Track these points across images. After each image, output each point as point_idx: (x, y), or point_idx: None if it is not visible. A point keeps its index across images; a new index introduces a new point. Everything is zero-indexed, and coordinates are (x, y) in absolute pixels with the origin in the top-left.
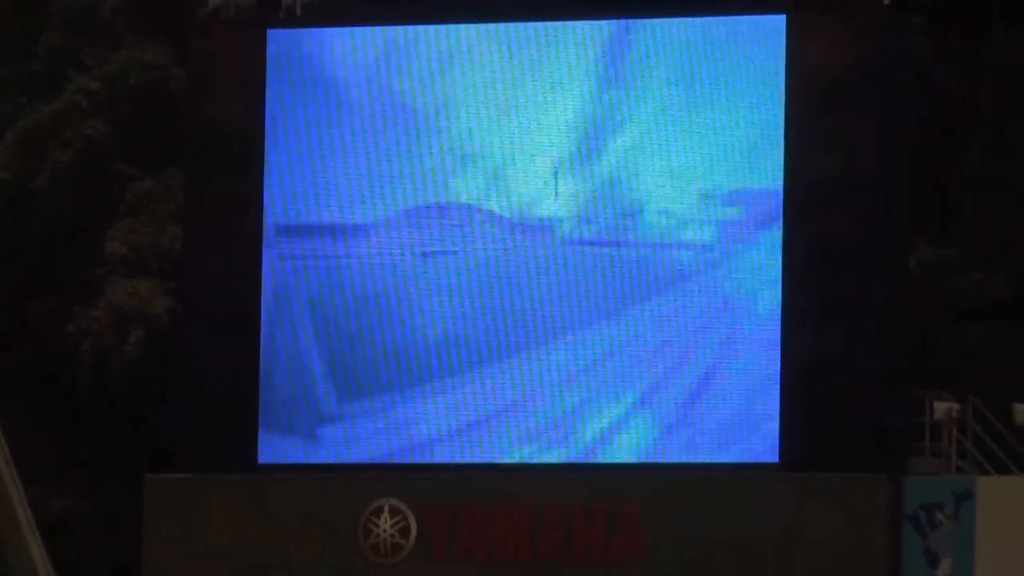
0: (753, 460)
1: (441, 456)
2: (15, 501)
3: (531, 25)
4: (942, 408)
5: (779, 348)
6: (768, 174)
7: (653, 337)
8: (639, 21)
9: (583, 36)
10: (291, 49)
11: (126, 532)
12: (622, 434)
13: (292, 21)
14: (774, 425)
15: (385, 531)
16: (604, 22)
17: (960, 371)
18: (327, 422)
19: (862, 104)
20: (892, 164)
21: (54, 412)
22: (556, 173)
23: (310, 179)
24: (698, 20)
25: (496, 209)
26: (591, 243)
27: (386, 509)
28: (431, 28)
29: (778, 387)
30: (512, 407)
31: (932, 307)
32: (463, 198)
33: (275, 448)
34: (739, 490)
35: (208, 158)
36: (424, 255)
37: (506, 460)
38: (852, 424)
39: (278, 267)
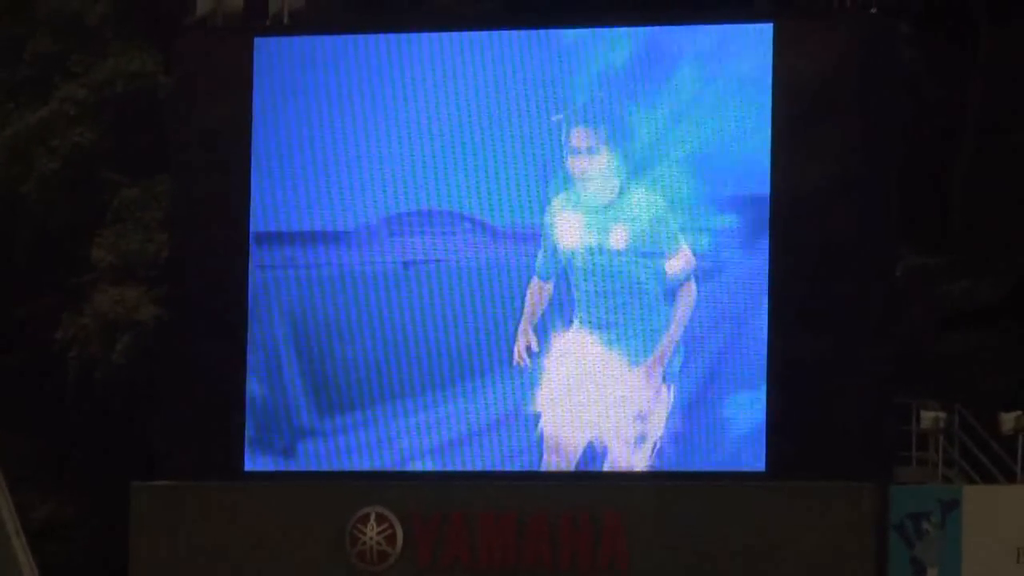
0: (740, 468)
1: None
2: (2, 505)
3: (519, 34)
4: (929, 417)
5: (765, 357)
6: (759, 181)
7: (644, 347)
8: (628, 30)
9: (572, 45)
10: (278, 57)
11: (116, 538)
12: (610, 444)
13: (279, 29)
14: (761, 433)
15: (371, 539)
16: (593, 31)
17: (947, 378)
18: (306, 437)
19: (850, 111)
20: (880, 170)
21: (43, 418)
22: (545, 181)
23: (291, 186)
24: (686, 28)
25: (482, 217)
26: (580, 252)
27: (372, 517)
28: (417, 36)
29: (765, 396)
30: (501, 421)
31: (920, 314)
32: (448, 205)
33: (257, 461)
34: (726, 498)
35: (195, 166)
36: (406, 264)
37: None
38: (838, 433)
39: (259, 277)
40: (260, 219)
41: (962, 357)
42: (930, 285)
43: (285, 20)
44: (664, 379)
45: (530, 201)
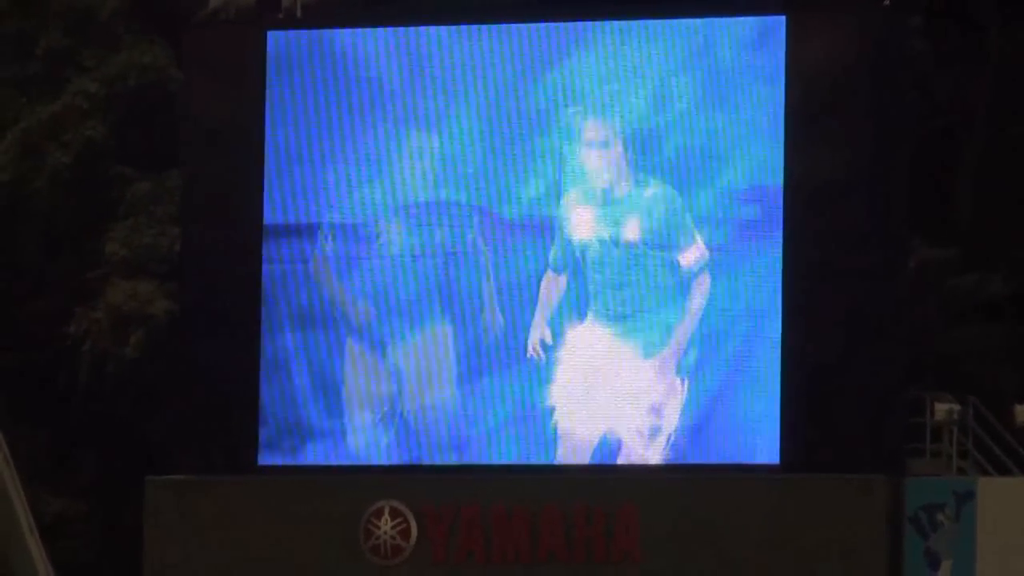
0: (754, 462)
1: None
2: (15, 502)
3: (532, 26)
4: (943, 409)
5: (779, 349)
6: (773, 174)
7: (658, 340)
8: (641, 22)
9: (585, 37)
10: (290, 50)
11: (125, 534)
12: (624, 437)
13: (291, 23)
14: (775, 426)
15: (386, 533)
16: (607, 23)
17: (959, 371)
18: (314, 437)
19: (861, 104)
20: (891, 164)
21: (53, 413)
22: (558, 174)
23: (301, 179)
24: (700, 21)
25: (495, 209)
26: (594, 245)
27: (387, 511)
28: (430, 29)
29: (779, 388)
30: (514, 415)
31: (931, 307)
32: (460, 197)
33: (267, 457)
34: (740, 491)
35: (206, 159)
36: (413, 257)
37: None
38: (852, 425)
39: (267, 270)
40: (270, 212)
41: (974, 348)
42: (941, 278)
43: (298, 13)
44: (678, 372)
45: (544, 193)
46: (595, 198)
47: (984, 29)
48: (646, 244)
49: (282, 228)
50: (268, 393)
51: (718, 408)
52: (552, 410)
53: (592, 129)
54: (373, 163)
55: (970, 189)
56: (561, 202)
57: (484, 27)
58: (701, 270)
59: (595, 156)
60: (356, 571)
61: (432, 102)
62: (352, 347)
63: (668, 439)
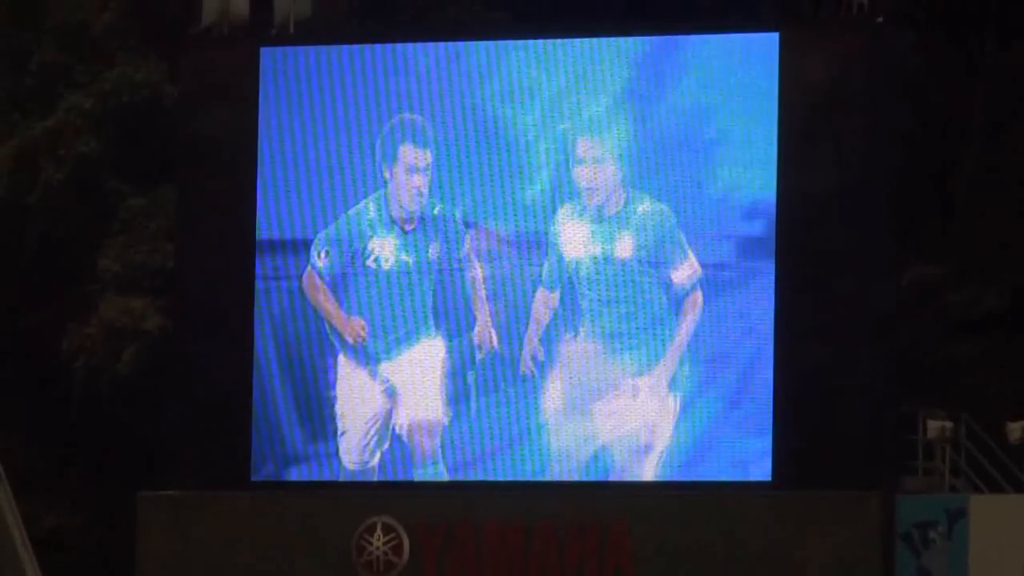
0: (746, 479)
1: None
2: (8, 516)
3: (525, 43)
4: (935, 426)
5: (772, 366)
6: (766, 190)
7: (651, 357)
8: (634, 39)
9: (578, 55)
10: (283, 66)
11: (122, 547)
12: (616, 454)
13: (284, 39)
14: (767, 443)
15: (378, 548)
16: (600, 40)
17: (954, 386)
18: (298, 462)
19: (855, 119)
20: (884, 179)
21: (49, 427)
22: (551, 190)
23: (295, 195)
24: (693, 38)
25: (488, 226)
26: (586, 262)
27: (379, 527)
28: (424, 46)
29: (771, 405)
30: (508, 435)
31: (926, 322)
32: (453, 214)
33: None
34: (732, 508)
35: (200, 175)
36: (406, 273)
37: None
38: (844, 442)
39: (258, 286)
40: (264, 228)
41: (969, 365)
42: (936, 293)
43: (291, 29)
44: (670, 389)
45: (537, 210)
46: (587, 215)
47: (978, 41)
48: (639, 261)
49: (275, 243)
50: (261, 409)
51: (711, 425)
52: (545, 427)
53: (585, 146)
54: (366, 179)
55: (964, 202)
56: (554, 219)
57: (477, 44)
58: (694, 287)
59: (588, 173)
60: None
61: (425, 118)
62: (345, 363)
63: (661, 456)
